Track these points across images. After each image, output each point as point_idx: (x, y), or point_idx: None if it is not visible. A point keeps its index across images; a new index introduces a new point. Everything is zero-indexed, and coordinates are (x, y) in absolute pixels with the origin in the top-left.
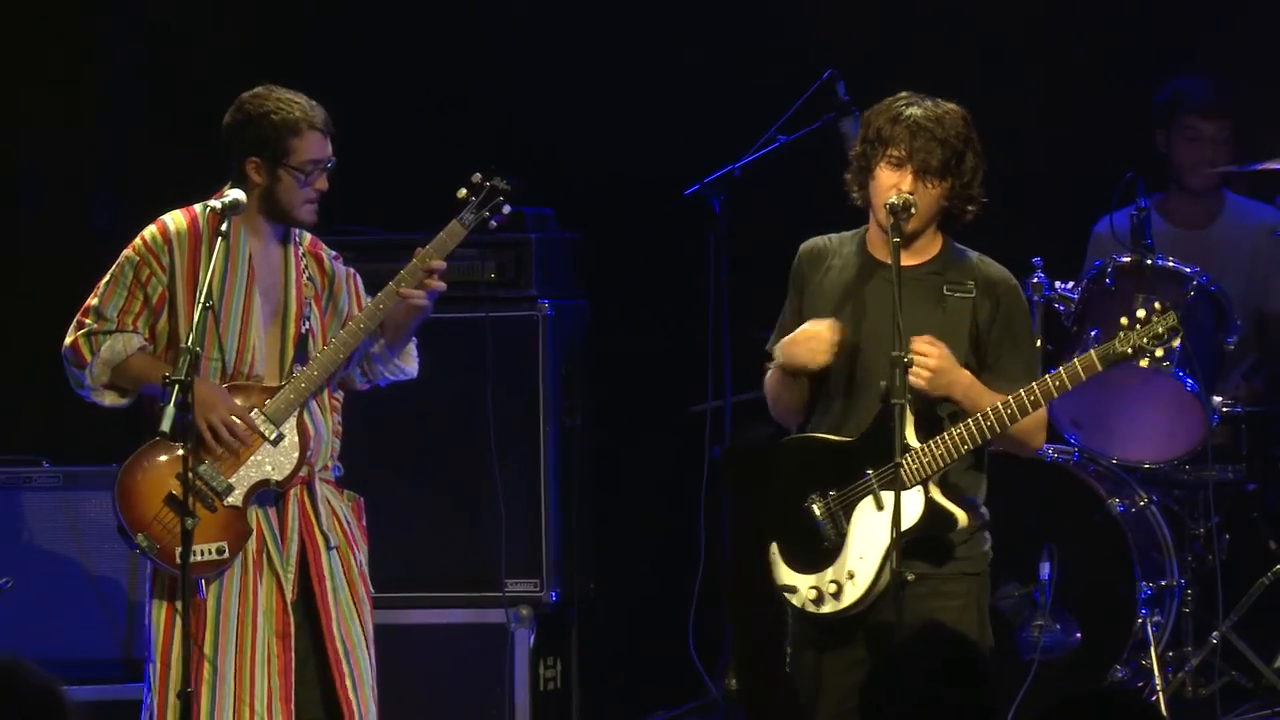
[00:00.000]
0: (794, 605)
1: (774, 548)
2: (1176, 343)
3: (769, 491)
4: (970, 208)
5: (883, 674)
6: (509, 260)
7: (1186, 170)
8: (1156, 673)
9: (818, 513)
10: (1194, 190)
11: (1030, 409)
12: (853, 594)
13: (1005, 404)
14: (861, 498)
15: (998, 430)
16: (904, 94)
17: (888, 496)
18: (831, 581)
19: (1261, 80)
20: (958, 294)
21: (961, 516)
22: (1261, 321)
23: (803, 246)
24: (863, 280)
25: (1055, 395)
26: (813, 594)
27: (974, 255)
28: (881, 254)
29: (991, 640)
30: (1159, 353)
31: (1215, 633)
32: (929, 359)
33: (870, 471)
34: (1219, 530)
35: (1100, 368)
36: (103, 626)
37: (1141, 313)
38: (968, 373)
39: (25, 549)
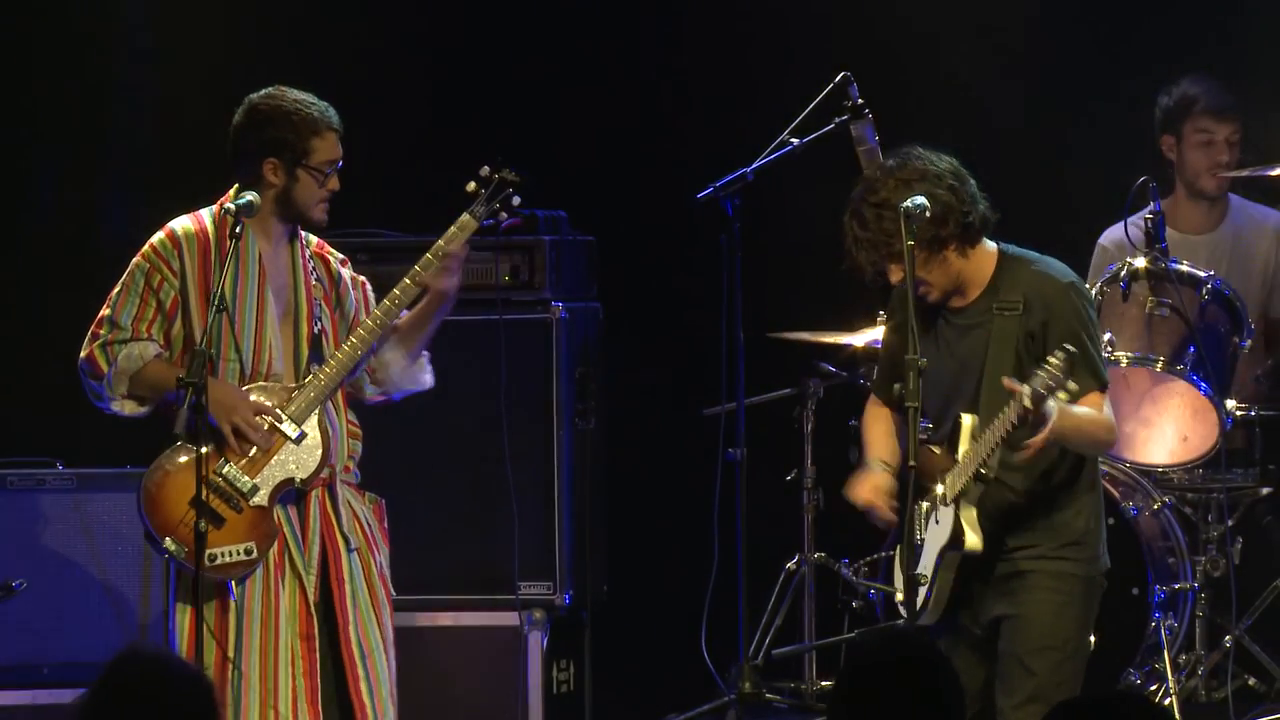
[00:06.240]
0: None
1: (895, 556)
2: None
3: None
4: (970, 215)
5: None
6: (522, 263)
7: (1199, 174)
8: (1169, 676)
9: (918, 519)
10: (1205, 195)
11: (1019, 420)
12: (921, 595)
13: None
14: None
15: (996, 444)
16: (852, 197)
17: (941, 511)
18: (910, 581)
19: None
20: (1005, 312)
21: (973, 542)
22: (1271, 327)
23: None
24: (929, 324)
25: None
26: (901, 595)
27: (1029, 264)
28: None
29: (1088, 649)
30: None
31: (1228, 636)
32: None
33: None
34: (1232, 534)
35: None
36: (115, 628)
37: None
38: (1064, 417)
39: (39, 551)
